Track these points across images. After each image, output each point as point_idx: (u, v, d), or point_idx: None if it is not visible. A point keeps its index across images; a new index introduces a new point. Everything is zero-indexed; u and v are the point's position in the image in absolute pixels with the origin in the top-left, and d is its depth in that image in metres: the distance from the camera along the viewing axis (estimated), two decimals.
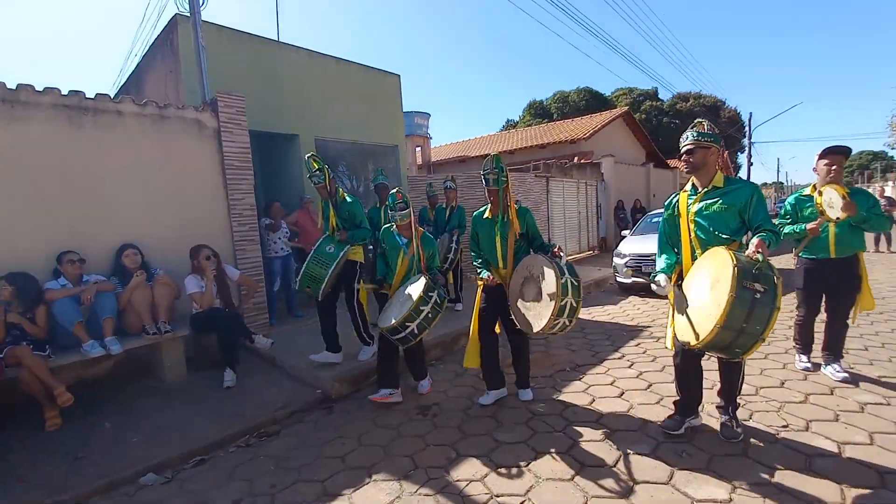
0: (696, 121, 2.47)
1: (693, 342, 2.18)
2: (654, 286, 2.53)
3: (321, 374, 3.86)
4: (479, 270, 3.31)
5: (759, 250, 2.06)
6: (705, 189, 2.43)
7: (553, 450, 2.60)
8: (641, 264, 6.93)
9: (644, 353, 4.25)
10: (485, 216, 3.21)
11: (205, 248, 4.06)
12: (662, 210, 2.70)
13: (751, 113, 26.35)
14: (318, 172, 3.71)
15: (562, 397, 3.36)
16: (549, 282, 2.72)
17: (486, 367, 3.32)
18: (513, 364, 3.37)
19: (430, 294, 3.14)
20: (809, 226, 3.05)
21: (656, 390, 3.34)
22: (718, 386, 2.67)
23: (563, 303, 2.67)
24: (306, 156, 3.79)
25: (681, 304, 2.32)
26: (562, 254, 2.90)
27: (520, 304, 2.95)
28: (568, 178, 11.19)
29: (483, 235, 3.23)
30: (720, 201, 2.37)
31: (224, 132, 4.67)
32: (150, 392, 3.78)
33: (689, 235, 2.48)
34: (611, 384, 3.53)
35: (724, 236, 2.36)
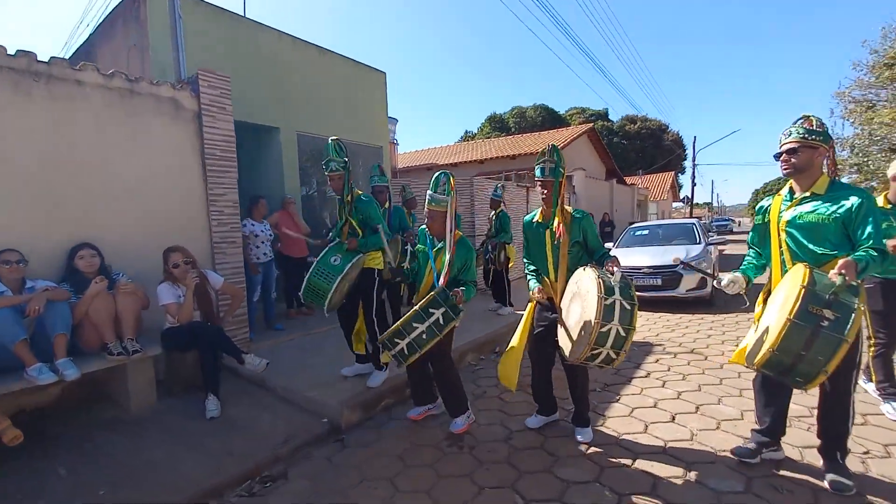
0: (802, 115, 2.14)
1: (751, 362, 1.98)
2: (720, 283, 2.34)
3: (326, 400, 3.31)
4: (528, 281, 2.95)
5: (842, 271, 1.78)
6: (803, 195, 2.12)
7: (635, 492, 2.26)
8: (633, 276, 6.86)
9: (668, 370, 4.04)
10: (535, 220, 2.83)
11: (181, 251, 3.40)
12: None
13: (695, 137, 28.25)
14: (337, 158, 3.23)
15: (609, 423, 3.04)
16: (591, 301, 2.25)
17: (538, 394, 2.99)
18: (570, 394, 2.91)
19: (431, 311, 2.61)
20: (891, 242, 2.63)
21: (708, 413, 3.10)
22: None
23: (604, 328, 2.18)
24: (329, 139, 3.28)
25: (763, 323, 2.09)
26: (615, 269, 2.40)
27: (565, 323, 2.56)
28: None
29: (533, 242, 2.84)
30: (818, 210, 2.06)
31: (205, 116, 4.02)
32: (113, 425, 3.05)
33: (780, 247, 2.19)
34: (654, 406, 3.26)
35: (819, 251, 2.05)
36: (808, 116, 2.11)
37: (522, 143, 16.54)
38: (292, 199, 5.56)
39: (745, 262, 2.44)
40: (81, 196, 3.33)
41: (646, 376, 3.92)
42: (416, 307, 2.63)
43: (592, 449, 2.70)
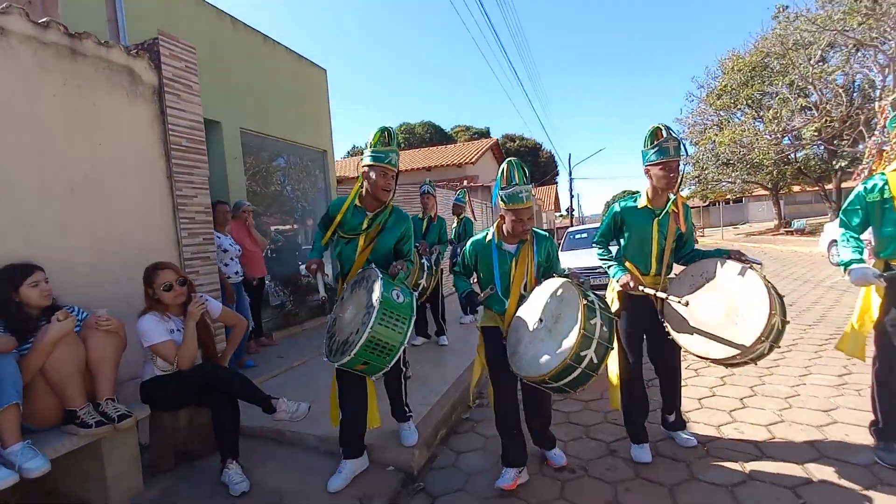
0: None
1: None
2: (870, 280, 2.15)
3: (385, 442, 2.68)
4: (610, 269, 2.61)
5: None
6: None
7: (797, 484, 2.17)
8: (589, 276, 7.12)
9: (683, 358, 4.18)
10: (640, 205, 2.49)
11: (173, 268, 2.49)
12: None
13: (570, 154, 31.66)
14: (392, 153, 2.40)
15: (693, 417, 2.95)
16: (755, 291, 2.11)
17: (632, 407, 2.59)
18: (662, 396, 2.70)
19: (590, 297, 2.07)
20: None
21: (765, 393, 3.23)
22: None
23: (772, 321, 2.05)
24: (379, 128, 2.41)
25: None
26: (747, 257, 2.29)
27: (692, 321, 2.35)
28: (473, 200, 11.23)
29: (636, 227, 2.50)
30: None
31: (168, 94, 3.07)
32: None
33: None
34: (713, 395, 3.29)
35: None
36: None
37: (437, 154, 16.58)
38: (250, 206, 4.62)
39: (854, 249, 2.28)
40: (6, 196, 2.24)
41: None
42: (583, 302, 1.99)
43: (708, 447, 2.57)
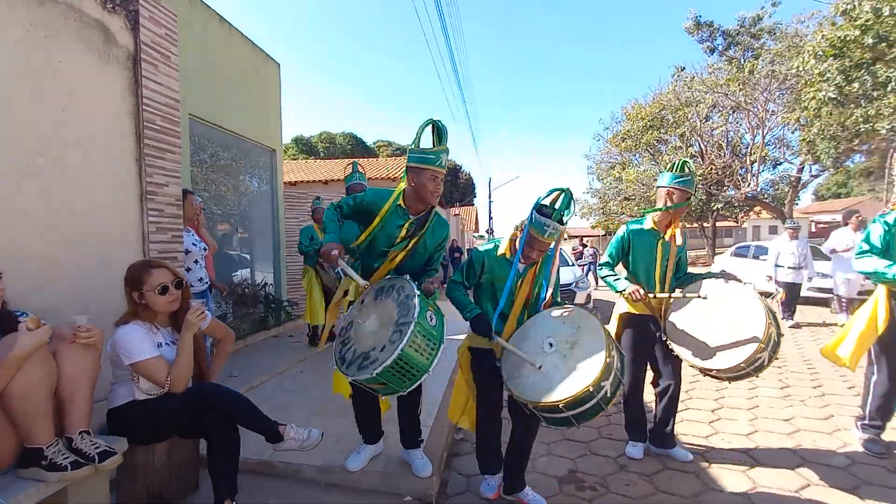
0: None
1: None
2: None
3: (392, 470, 2.46)
4: (614, 281, 2.70)
5: None
6: None
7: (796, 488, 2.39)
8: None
9: None
10: (648, 227, 2.70)
11: (167, 267, 2.06)
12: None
13: (490, 178, 33.05)
14: (444, 153, 2.16)
15: (691, 437, 3.08)
16: (752, 305, 2.40)
17: (637, 419, 2.82)
18: (661, 410, 2.80)
19: (607, 329, 2.09)
20: None
21: (731, 405, 3.54)
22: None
23: (770, 330, 2.32)
24: (426, 122, 2.19)
25: None
26: (738, 277, 2.59)
27: (694, 333, 2.59)
28: None
29: (642, 249, 2.69)
30: None
31: (146, 62, 2.60)
32: None
33: None
34: (686, 409, 3.53)
35: None
36: None
37: (367, 167, 16.19)
38: (200, 202, 4.04)
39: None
40: None
41: None
42: (605, 360, 1.90)
43: (706, 458, 2.74)
